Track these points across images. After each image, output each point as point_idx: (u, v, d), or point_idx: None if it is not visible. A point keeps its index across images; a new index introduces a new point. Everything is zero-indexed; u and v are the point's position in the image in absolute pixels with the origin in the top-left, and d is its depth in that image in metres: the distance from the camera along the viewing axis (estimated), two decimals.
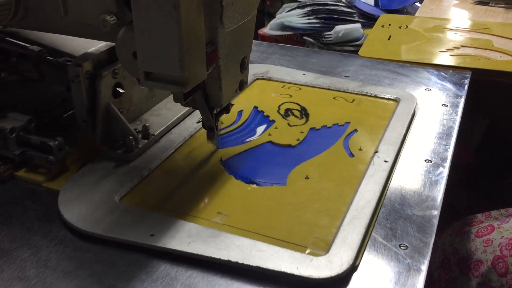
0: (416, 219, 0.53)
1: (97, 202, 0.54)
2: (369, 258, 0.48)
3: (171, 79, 0.48)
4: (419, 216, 0.53)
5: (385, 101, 0.78)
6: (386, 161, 0.61)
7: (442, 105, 0.78)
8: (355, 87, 0.82)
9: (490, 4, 1.41)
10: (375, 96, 0.79)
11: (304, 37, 1.34)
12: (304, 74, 0.87)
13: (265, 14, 2.24)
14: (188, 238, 0.49)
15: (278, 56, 0.98)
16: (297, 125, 0.71)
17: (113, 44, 0.61)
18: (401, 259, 0.47)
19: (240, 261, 0.46)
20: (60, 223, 0.52)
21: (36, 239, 0.50)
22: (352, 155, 0.64)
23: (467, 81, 0.87)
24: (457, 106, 0.78)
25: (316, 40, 1.30)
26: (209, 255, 0.46)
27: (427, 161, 0.63)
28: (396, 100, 0.77)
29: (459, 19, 1.29)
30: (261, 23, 1.91)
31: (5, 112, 0.60)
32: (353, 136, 0.68)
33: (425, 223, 0.52)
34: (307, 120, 0.72)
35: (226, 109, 0.60)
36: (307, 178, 0.59)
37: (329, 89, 0.82)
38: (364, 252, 0.48)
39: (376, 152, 0.63)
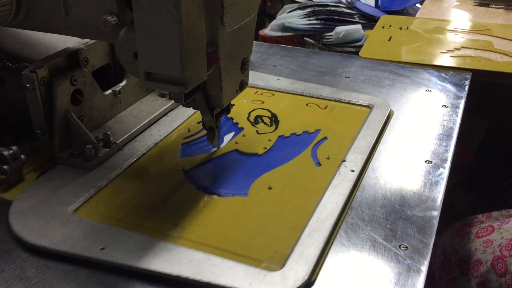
0: (416, 220, 0.53)
1: (50, 213, 0.52)
2: (369, 259, 0.48)
3: (171, 80, 0.48)
4: (419, 217, 0.53)
5: (359, 107, 0.76)
6: (352, 171, 0.59)
7: (443, 106, 0.78)
8: (329, 93, 0.80)
9: (491, 6, 1.41)
10: (349, 103, 0.78)
11: (305, 38, 1.34)
12: (278, 79, 0.85)
13: (266, 15, 2.25)
14: (140, 252, 0.47)
15: (279, 57, 0.98)
16: (265, 133, 0.69)
17: (73, 49, 0.62)
18: (401, 260, 0.47)
19: (191, 277, 0.44)
20: (9, 235, 0.50)
21: None
22: (319, 164, 0.62)
23: (467, 82, 0.88)
24: (457, 107, 0.78)
25: (317, 41, 1.30)
26: (160, 270, 0.45)
27: (427, 162, 0.63)
28: (369, 107, 0.76)
29: (460, 20, 1.30)
30: (261, 24, 1.91)
31: None
32: (322, 144, 0.66)
33: (425, 224, 0.52)
34: (276, 128, 0.71)
35: (227, 110, 0.60)
36: (270, 188, 0.58)
37: (302, 95, 0.80)
38: (322, 266, 0.47)
39: (343, 161, 0.61)
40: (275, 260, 0.47)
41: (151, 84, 0.49)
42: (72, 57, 0.62)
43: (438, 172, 0.61)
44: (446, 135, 0.70)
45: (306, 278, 0.44)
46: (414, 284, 0.45)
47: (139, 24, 0.46)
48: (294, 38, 1.38)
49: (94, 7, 0.52)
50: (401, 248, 0.49)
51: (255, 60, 0.96)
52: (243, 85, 0.59)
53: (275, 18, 1.46)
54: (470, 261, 0.84)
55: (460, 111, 0.77)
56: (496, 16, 1.32)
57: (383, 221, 0.52)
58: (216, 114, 0.59)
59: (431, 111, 0.77)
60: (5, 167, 0.56)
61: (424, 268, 0.46)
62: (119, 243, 0.48)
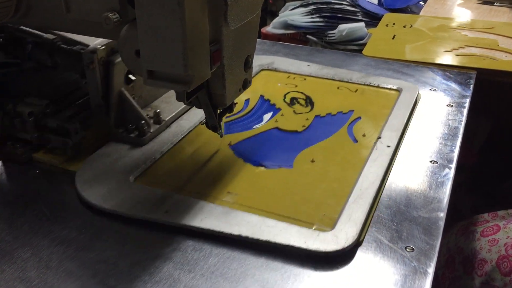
0: (422, 221, 0.52)
1: (112, 182, 0.56)
2: (375, 261, 0.47)
3: (174, 78, 0.47)
4: (425, 218, 0.52)
5: (388, 91, 0.80)
6: (388, 146, 0.63)
7: (447, 105, 0.78)
8: (359, 77, 0.84)
9: (495, 4, 1.40)
10: (378, 86, 0.81)
11: (307, 36, 1.33)
12: (308, 65, 0.89)
13: (268, 13, 2.24)
14: (200, 215, 0.51)
15: (282, 55, 0.97)
16: (302, 113, 0.73)
17: None
18: (407, 262, 0.47)
19: (251, 236, 0.48)
20: (76, 204, 0.54)
21: (37, 239, 0.49)
22: (356, 140, 0.66)
23: (472, 81, 0.87)
24: (462, 106, 0.77)
25: (320, 39, 1.29)
26: (221, 230, 0.49)
27: (432, 162, 0.62)
28: (398, 90, 0.79)
29: (464, 18, 1.28)
30: (263, 22, 1.91)
31: (23, 97, 0.62)
32: (356, 123, 0.70)
33: (431, 225, 0.51)
34: (312, 108, 0.75)
35: (230, 109, 0.59)
36: (313, 161, 0.61)
37: (333, 79, 0.84)
38: (368, 228, 0.50)
39: (379, 138, 0.65)
40: (325, 222, 0.51)
41: (154, 83, 0.48)
42: None
43: (444, 173, 0.60)
44: (451, 135, 0.69)
45: (355, 237, 0.48)
46: (421, 286, 0.44)
47: (141, 21, 0.45)
48: (297, 36, 1.37)
49: (96, 4, 0.51)
50: (407, 249, 0.48)
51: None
52: (246, 83, 0.58)
53: (277, 15, 1.45)
54: (474, 260, 0.84)
55: (466, 111, 0.76)
56: (500, 15, 1.31)
57: (388, 222, 0.52)
58: (219, 113, 0.58)
59: (435, 110, 0.76)
60: (68, 140, 0.60)
61: (431, 270, 0.46)
62: (180, 208, 0.52)
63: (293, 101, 0.76)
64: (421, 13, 1.34)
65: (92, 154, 0.61)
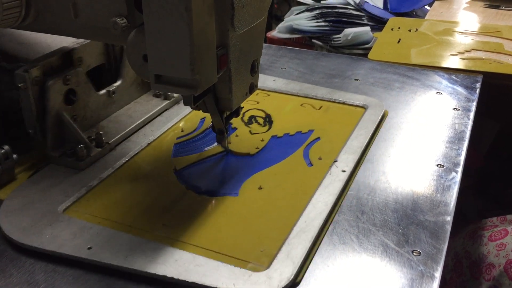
0: (429, 225, 0.52)
1: (40, 213, 0.53)
2: (381, 265, 0.47)
3: (182, 82, 0.47)
4: (431, 222, 0.52)
5: (353, 108, 0.76)
6: (343, 171, 0.59)
7: (454, 109, 0.78)
8: (324, 93, 0.80)
9: (501, 7, 1.39)
10: (343, 103, 0.77)
11: (313, 40, 1.33)
12: (274, 80, 0.85)
13: (273, 17, 2.24)
14: (127, 251, 0.47)
15: (287, 59, 0.97)
16: (258, 133, 0.69)
17: (68, 48, 0.62)
18: (414, 266, 0.47)
19: (176, 277, 0.44)
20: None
21: None
22: (311, 164, 0.62)
23: (478, 85, 0.87)
24: (469, 110, 0.77)
25: (325, 43, 1.29)
26: (145, 270, 0.45)
27: (439, 166, 0.62)
28: (364, 107, 0.75)
29: (469, 22, 1.28)
30: (269, 26, 1.91)
31: None
32: (315, 144, 0.66)
33: (438, 229, 0.51)
34: (270, 128, 0.71)
35: (236, 113, 0.60)
36: (260, 188, 0.58)
37: (297, 95, 0.80)
38: (308, 267, 0.47)
39: (335, 161, 0.62)
40: (261, 260, 0.47)
41: (161, 87, 0.49)
42: (66, 57, 0.62)
43: (450, 176, 0.60)
44: (457, 139, 0.69)
45: (291, 278, 0.44)
46: None
47: (149, 26, 0.45)
48: (302, 40, 1.37)
49: (104, 9, 0.52)
50: (414, 253, 0.48)
51: (264, 62, 0.95)
52: (252, 87, 0.59)
53: (282, 20, 1.45)
54: (482, 265, 0.83)
55: (472, 114, 0.76)
56: (506, 18, 1.31)
57: (395, 226, 0.52)
58: (226, 117, 0.58)
59: (442, 114, 0.76)
60: None
61: (438, 274, 0.46)
62: (107, 243, 0.49)
63: (251, 120, 0.73)
64: (427, 17, 1.34)
65: (27, 179, 0.58)
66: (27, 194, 0.56)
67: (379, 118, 0.72)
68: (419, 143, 0.68)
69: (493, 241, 0.84)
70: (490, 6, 1.41)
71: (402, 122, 0.73)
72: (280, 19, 1.72)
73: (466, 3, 1.46)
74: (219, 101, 0.55)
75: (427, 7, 1.46)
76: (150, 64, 0.47)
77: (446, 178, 0.60)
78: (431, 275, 0.46)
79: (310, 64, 0.95)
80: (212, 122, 0.59)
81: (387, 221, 0.52)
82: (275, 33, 1.40)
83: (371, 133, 0.68)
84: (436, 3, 1.46)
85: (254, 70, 0.57)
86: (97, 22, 0.53)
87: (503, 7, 1.39)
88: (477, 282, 0.82)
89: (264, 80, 0.84)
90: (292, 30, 1.36)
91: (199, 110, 0.57)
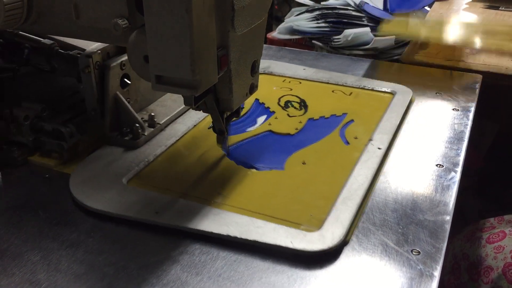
0: (428, 224, 0.52)
1: (105, 184, 0.57)
2: (381, 264, 0.47)
3: (182, 83, 0.48)
4: (431, 221, 0.53)
5: (382, 94, 0.81)
6: (379, 148, 0.64)
7: (453, 109, 0.78)
8: (353, 81, 0.85)
9: (501, 8, 1.40)
10: (372, 90, 0.82)
11: (313, 41, 1.33)
12: (304, 69, 0.90)
13: (273, 18, 2.24)
14: (190, 216, 0.52)
15: (287, 60, 0.98)
16: (296, 116, 0.74)
17: None
18: (413, 265, 0.47)
19: (239, 236, 0.49)
20: (71, 204, 0.55)
21: (46, 242, 0.50)
22: (347, 143, 0.67)
23: (478, 85, 0.87)
24: (468, 110, 0.78)
25: (325, 44, 1.29)
26: (210, 230, 0.49)
27: (438, 165, 0.63)
28: (392, 93, 0.80)
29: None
30: (269, 27, 1.91)
31: (19, 102, 0.63)
32: (349, 126, 0.71)
33: (437, 229, 0.52)
34: (305, 111, 0.76)
35: (237, 113, 0.60)
36: (304, 163, 0.62)
37: (328, 83, 0.85)
38: (355, 229, 0.51)
39: (370, 140, 0.66)
40: (312, 223, 0.52)
41: (162, 87, 0.49)
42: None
43: (450, 176, 0.61)
44: (457, 139, 0.69)
45: (342, 237, 0.49)
46: None
47: (150, 27, 0.46)
48: (302, 41, 1.37)
49: (105, 11, 0.52)
50: (413, 253, 0.48)
51: (264, 63, 0.96)
52: (253, 88, 0.59)
53: (282, 21, 1.45)
54: (480, 267, 0.83)
55: (471, 114, 0.76)
56: (506, 19, 1.31)
57: (394, 226, 0.52)
58: (226, 118, 0.58)
59: (441, 114, 0.76)
60: (62, 143, 0.61)
61: (437, 273, 0.46)
62: (171, 209, 0.53)
63: (287, 104, 0.77)
64: (427, 18, 1.34)
65: (88, 156, 0.63)
66: (91, 169, 0.60)
67: (407, 102, 0.77)
68: (418, 143, 0.68)
69: (491, 243, 0.84)
70: (489, 7, 1.41)
71: (401, 122, 0.73)
72: (280, 20, 1.72)
73: (466, 3, 1.46)
74: (220, 102, 0.56)
75: (427, 7, 1.47)
76: (151, 64, 0.48)
77: (446, 178, 0.60)
78: (430, 274, 0.46)
79: (310, 65, 0.95)
80: (212, 122, 0.59)
81: (386, 221, 0.53)
82: (275, 34, 1.40)
83: (401, 115, 0.73)
84: (436, 4, 1.46)
85: (254, 70, 0.58)
86: (98, 23, 0.53)
87: (503, 8, 1.40)
88: (475, 285, 0.83)
89: (295, 70, 0.90)
90: (292, 31, 1.36)
91: (200, 110, 0.58)
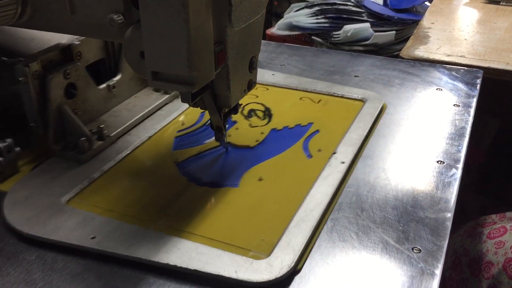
0: (429, 222, 0.51)
1: (43, 204, 0.53)
2: (382, 262, 0.47)
3: (179, 79, 0.47)
4: (432, 219, 0.52)
5: (351, 101, 0.77)
6: (343, 162, 0.60)
7: (454, 105, 0.77)
8: (323, 87, 0.80)
9: (501, 3, 1.39)
10: (342, 97, 0.78)
11: (313, 37, 1.33)
12: (273, 74, 0.86)
13: (273, 14, 2.24)
14: (129, 240, 0.48)
15: (287, 56, 0.97)
16: (258, 126, 0.70)
17: (67, 43, 0.62)
18: (414, 263, 0.46)
19: (179, 265, 0.45)
20: (3, 226, 0.51)
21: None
22: (310, 156, 0.63)
23: (479, 81, 0.86)
24: (469, 106, 0.77)
25: (325, 40, 1.29)
26: (148, 258, 0.46)
27: (439, 162, 0.62)
28: (363, 101, 0.76)
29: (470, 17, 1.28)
30: (268, 23, 1.90)
31: None
32: (314, 137, 0.67)
33: (438, 226, 0.51)
34: (269, 121, 0.71)
35: (235, 110, 0.59)
36: (260, 179, 0.58)
37: (296, 89, 0.81)
38: (308, 255, 0.47)
39: (334, 153, 0.62)
40: (262, 248, 0.48)
41: (158, 84, 0.48)
42: (66, 52, 0.62)
43: (451, 173, 0.60)
44: (458, 135, 0.68)
45: (292, 266, 0.45)
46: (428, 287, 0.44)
47: (145, 22, 0.45)
48: (302, 37, 1.37)
49: (100, 6, 0.51)
50: (414, 250, 0.48)
51: (263, 59, 0.95)
52: (251, 84, 0.58)
53: (282, 17, 1.45)
54: (481, 262, 0.83)
55: (472, 110, 0.75)
56: (507, 14, 1.30)
57: (395, 223, 0.51)
58: (224, 114, 0.58)
59: (442, 110, 0.75)
60: None
61: (438, 271, 0.45)
62: (110, 233, 0.49)
63: (250, 114, 0.73)
64: (427, 13, 1.33)
65: (29, 172, 0.59)
66: (30, 186, 0.56)
67: (378, 111, 0.72)
68: (419, 140, 0.67)
69: (492, 238, 0.84)
70: (490, 2, 1.40)
71: (402, 118, 0.73)
72: (280, 16, 1.72)
73: None
74: (217, 98, 0.55)
75: (427, 3, 1.46)
76: (147, 61, 0.47)
77: (447, 175, 0.60)
78: (432, 272, 0.45)
79: (309, 61, 0.95)
80: (210, 119, 0.58)
81: (387, 218, 0.52)
82: (274, 30, 1.40)
83: (370, 125, 0.68)
84: None
85: (252, 66, 0.57)
86: (93, 19, 0.52)
87: (503, 3, 1.39)
88: (476, 280, 0.82)
89: (263, 75, 0.84)
90: (292, 27, 1.36)
91: (197, 107, 0.57)
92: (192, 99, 0.52)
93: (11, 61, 0.62)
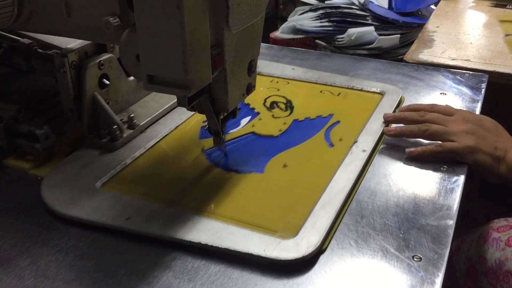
0: (431, 229, 0.50)
1: (79, 188, 0.56)
2: (381, 270, 0.45)
3: (175, 83, 0.46)
4: (433, 226, 0.51)
5: (370, 94, 0.79)
6: (364, 151, 0.62)
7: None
8: (342, 81, 0.83)
9: (508, 6, 1.37)
10: (361, 90, 0.80)
11: (316, 41, 1.32)
12: (293, 69, 0.88)
13: (278, 18, 2.23)
14: (162, 221, 0.50)
15: (289, 60, 0.96)
16: (281, 117, 0.73)
17: None
18: (414, 272, 0.45)
19: (210, 243, 0.47)
20: (43, 209, 0.53)
21: (36, 247, 0.49)
22: (332, 145, 0.65)
23: (484, 85, 0.85)
24: (473, 110, 0.76)
25: (329, 44, 1.28)
26: (181, 238, 0.48)
27: (442, 168, 0.61)
28: (381, 93, 0.78)
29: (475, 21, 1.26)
30: (274, 27, 1.90)
31: None
32: (335, 127, 0.69)
33: (440, 234, 0.50)
34: (291, 112, 0.74)
35: (233, 114, 0.59)
36: (285, 166, 0.61)
37: (316, 83, 0.83)
38: (333, 236, 0.49)
39: (355, 142, 0.64)
40: (288, 230, 0.50)
41: (154, 88, 0.47)
42: (100, 44, 0.64)
43: (454, 179, 0.59)
44: None
45: (317, 245, 0.47)
46: None
47: (140, 25, 0.44)
48: (306, 41, 1.36)
49: (97, 9, 0.51)
50: (415, 259, 0.47)
51: (265, 63, 0.94)
52: (250, 88, 0.57)
53: (287, 20, 1.44)
54: (499, 272, 0.81)
55: None
56: None
57: (395, 230, 0.50)
58: (222, 119, 0.57)
59: None
60: (37, 145, 0.59)
61: (439, 281, 0.44)
62: (143, 214, 0.52)
63: (272, 105, 0.76)
64: (432, 16, 1.32)
65: (64, 158, 0.61)
66: (66, 171, 0.59)
67: (396, 103, 0.75)
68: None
69: (511, 246, 0.81)
70: (496, 5, 1.39)
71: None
72: (285, 20, 1.71)
73: (472, 2, 1.44)
74: (215, 102, 0.54)
75: (432, 6, 1.45)
76: (142, 64, 0.46)
77: (449, 181, 0.58)
78: (432, 281, 0.44)
79: (312, 64, 0.94)
80: (207, 123, 0.58)
81: (387, 225, 0.51)
82: (278, 33, 1.39)
83: None
84: (441, 2, 1.44)
85: (251, 70, 0.56)
86: (90, 22, 0.52)
87: (510, 6, 1.37)
88: None
89: (284, 69, 0.88)
90: (296, 30, 1.35)
91: (195, 111, 0.56)
92: (189, 103, 0.51)
93: (48, 53, 0.64)
